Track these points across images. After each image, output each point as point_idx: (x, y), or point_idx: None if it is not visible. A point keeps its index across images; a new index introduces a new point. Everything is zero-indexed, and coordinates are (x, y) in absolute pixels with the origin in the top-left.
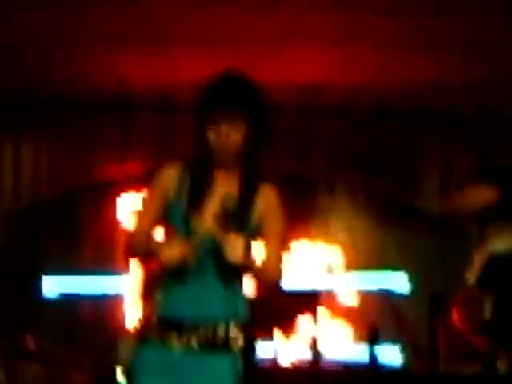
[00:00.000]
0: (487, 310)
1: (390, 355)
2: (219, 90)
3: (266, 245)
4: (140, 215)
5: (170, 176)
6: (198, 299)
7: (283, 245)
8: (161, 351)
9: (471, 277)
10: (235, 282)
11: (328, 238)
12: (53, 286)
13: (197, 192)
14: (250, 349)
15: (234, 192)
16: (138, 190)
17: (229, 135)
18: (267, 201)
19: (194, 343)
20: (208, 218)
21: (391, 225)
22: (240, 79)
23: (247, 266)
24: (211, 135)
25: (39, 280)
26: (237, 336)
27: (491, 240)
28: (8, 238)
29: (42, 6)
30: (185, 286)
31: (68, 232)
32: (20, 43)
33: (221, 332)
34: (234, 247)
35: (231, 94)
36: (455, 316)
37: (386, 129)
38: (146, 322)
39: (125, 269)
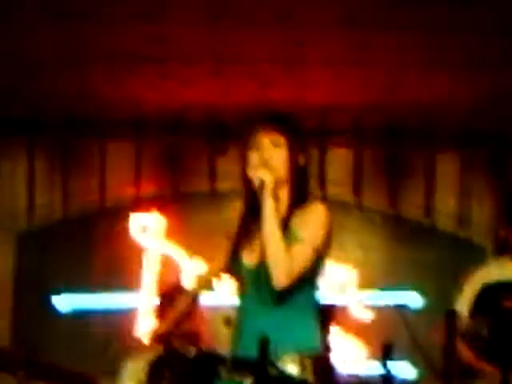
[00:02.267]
0: (485, 333)
1: (404, 371)
2: (259, 118)
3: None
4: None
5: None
6: (264, 331)
7: (310, 254)
8: None
9: (463, 308)
10: (299, 308)
11: (342, 256)
12: (66, 304)
13: (244, 225)
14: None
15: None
16: (150, 210)
17: (272, 156)
18: (311, 213)
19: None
20: (257, 248)
21: (405, 242)
22: (279, 111)
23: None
24: (253, 158)
25: (51, 299)
26: (302, 369)
27: (481, 272)
28: (22, 257)
29: (56, 24)
30: (250, 321)
31: (80, 251)
32: (33, 62)
33: (289, 366)
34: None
35: (271, 118)
36: (459, 347)
37: (399, 147)
38: (221, 358)
39: (137, 287)
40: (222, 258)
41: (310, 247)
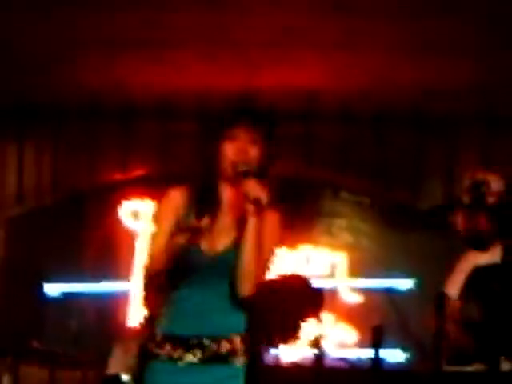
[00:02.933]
0: (475, 317)
1: (394, 355)
2: (239, 108)
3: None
4: (154, 236)
5: (179, 196)
6: (202, 315)
7: (271, 262)
8: (169, 367)
9: (453, 290)
10: (237, 297)
11: (332, 242)
12: (55, 289)
13: (205, 209)
14: (254, 361)
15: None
16: (140, 195)
17: (247, 149)
18: (270, 221)
19: (199, 358)
20: (215, 236)
21: (395, 228)
22: (258, 102)
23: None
24: (229, 149)
25: (42, 284)
26: (240, 349)
27: (472, 256)
28: (11, 242)
29: (42, 15)
30: (188, 302)
31: (71, 236)
32: (21, 51)
33: (224, 346)
34: (250, 183)
35: (251, 112)
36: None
37: (388, 132)
38: (151, 337)
39: (128, 273)
40: (165, 228)
41: (272, 257)
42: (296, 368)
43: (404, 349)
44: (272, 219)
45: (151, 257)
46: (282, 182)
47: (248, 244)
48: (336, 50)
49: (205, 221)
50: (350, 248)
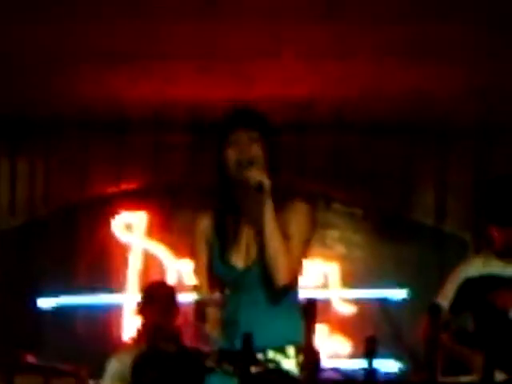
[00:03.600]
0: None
1: (388, 366)
2: (234, 115)
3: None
4: (196, 273)
5: (206, 224)
6: (251, 329)
7: (303, 249)
8: (224, 381)
9: (444, 303)
10: (287, 305)
11: (325, 252)
12: (48, 302)
13: (225, 228)
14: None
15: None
16: (133, 208)
17: (249, 150)
18: (295, 211)
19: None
20: (244, 249)
21: (388, 238)
22: (251, 108)
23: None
24: (231, 154)
25: (35, 297)
26: (294, 358)
27: (463, 267)
28: (4, 255)
29: (32, 27)
30: (235, 317)
31: (64, 249)
32: (12, 64)
33: (277, 358)
34: (253, 171)
35: (246, 115)
36: (443, 340)
37: (380, 143)
38: (209, 353)
39: (121, 285)
40: (203, 259)
41: (302, 244)
42: (288, 378)
43: (398, 359)
44: (299, 209)
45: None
46: (274, 192)
47: (268, 229)
48: (328, 59)
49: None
50: (342, 259)
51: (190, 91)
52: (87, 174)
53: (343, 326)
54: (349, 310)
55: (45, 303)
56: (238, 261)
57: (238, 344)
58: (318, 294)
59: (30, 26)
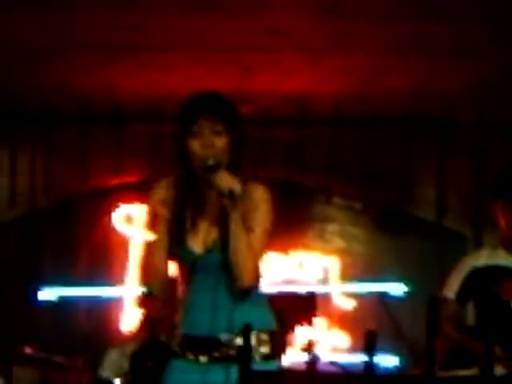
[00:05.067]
0: (470, 319)
1: (387, 360)
2: (199, 103)
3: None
4: (154, 247)
5: (164, 192)
6: (210, 314)
7: (264, 240)
8: (183, 367)
9: (450, 293)
10: (247, 292)
11: (324, 247)
12: (49, 294)
13: (184, 212)
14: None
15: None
16: (133, 200)
17: (213, 142)
18: (254, 197)
19: (213, 357)
20: (201, 235)
21: (387, 233)
22: (215, 94)
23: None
24: (194, 145)
25: (35, 288)
26: (256, 345)
27: (470, 258)
28: (4, 247)
29: (31, 13)
30: (195, 302)
31: (64, 241)
32: (9, 53)
33: (239, 343)
34: (222, 176)
35: (211, 104)
36: (446, 330)
37: (380, 136)
38: (169, 338)
39: (121, 278)
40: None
41: (264, 235)
42: (289, 373)
43: (397, 353)
44: (260, 194)
45: (154, 269)
46: (274, 186)
47: (235, 239)
48: (327, 53)
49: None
50: (342, 253)
51: (188, 83)
52: (87, 166)
53: (343, 320)
54: (348, 304)
55: (45, 295)
56: (196, 245)
57: (196, 327)
58: (318, 288)
59: (28, 17)
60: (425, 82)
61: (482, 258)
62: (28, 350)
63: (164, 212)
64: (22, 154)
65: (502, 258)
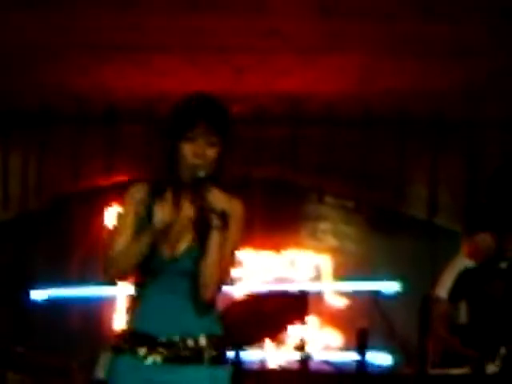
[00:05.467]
0: (463, 318)
1: (380, 358)
2: (197, 109)
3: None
4: (116, 234)
5: (140, 193)
6: (167, 315)
7: (233, 260)
8: (132, 364)
9: (442, 293)
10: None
11: (317, 245)
12: (42, 295)
13: (163, 209)
14: (222, 359)
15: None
16: None
17: (205, 151)
18: (231, 213)
19: (163, 357)
20: (173, 239)
21: (380, 231)
22: (214, 100)
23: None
24: (186, 151)
25: (28, 289)
26: (207, 347)
27: (461, 258)
28: None
29: (27, 17)
30: (153, 302)
31: (56, 241)
32: (4, 53)
33: (190, 345)
34: (216, 195)
35: (210, 114)
36: (437, 329)
37: (373, 136)
38: (120, 334)
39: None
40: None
41: (233, 255)
42: (281, 371)
43: (389, 352)
44: (236, 212)
45: (113, 256)
46: (267, 185)
47: (212, 256)
48: (320, 53)
49: (165, 221)
50: (334, 251)
51: (180, 83)
52: (80, 166)
53: (335, 318)
54: (341, 302)
55: (37, 295)
56: (165, 250)
57: (151, 329)
58: (310, 287)
59: (26, 17)
60: (419, 82)
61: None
62: (20, 351)
63: (138, 208)
64: (15, 154)
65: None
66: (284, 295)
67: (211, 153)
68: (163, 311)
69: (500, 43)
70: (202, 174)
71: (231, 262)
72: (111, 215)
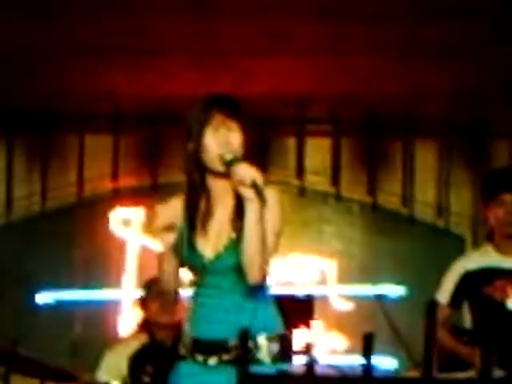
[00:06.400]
0: (467, 321)
1: (385, 362)
2: (211, 100)
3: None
4: (162, 259)
5: (174, 207)
6: (221, 317)
7: (275, 241)
8: (194, 369)
9: (443, 298)
10: (258, 294)
11: (322, 249)
12: (46, 298)
13: (195, 215)
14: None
15: (232, 201)
16: (131, 203)
17: (229, 139)
18: (268, 205)
19: (221, 360)
20: (213, 236)
21: (385, 235)
22: (224, 94)
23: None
24: (210, 143)
25: (33, 292)
26: (265, 349)
27: (461, 262)
28: (1, 251)
29: (30, 18)
30: (204, 306)
31: (61, 244)
32: (8, 56)
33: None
34: (244, 167)
35: (224, 100)
36: (440, 335)
37: (377, 138)
38: (180, 340)
39: (118, 281)
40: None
41: (275, 237)
42: (286, 375)
43: (395, 356)
44: (271, 198)
45: (167, 276)
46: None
47: (252, 231)
48: (326, 56)
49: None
50: (339, 255)
51: (186, 87)
52: (84, 170)
53: (340, 322)
54: (346, 306)
55: (42, 299)
56: (207, 249)
57: (206, 330)
58: (315, 291)
59: (28, 20)
60: (424, 84)
61: (474, 261)
62: (23, 354)
63: (167, 238)
64: (19, 158)
65: (494, 260)
66: (289, 299)
67: (234, 139)
68: (218, 313)
69: (502, 44)
70: (229, 156)
71: (273, 244)
72: (116, 218)
